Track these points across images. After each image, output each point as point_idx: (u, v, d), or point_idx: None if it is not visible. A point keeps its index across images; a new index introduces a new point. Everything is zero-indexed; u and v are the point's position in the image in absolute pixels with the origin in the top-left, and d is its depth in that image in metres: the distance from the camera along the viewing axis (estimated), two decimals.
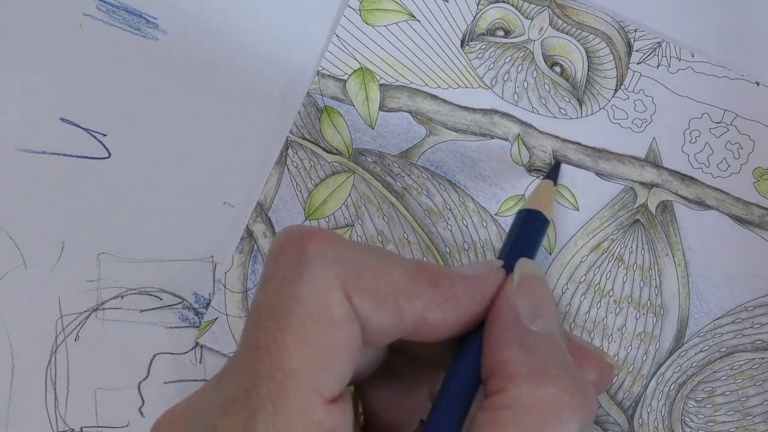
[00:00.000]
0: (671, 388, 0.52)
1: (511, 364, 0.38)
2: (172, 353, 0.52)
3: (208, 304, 0.52)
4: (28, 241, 0.53)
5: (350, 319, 0.36)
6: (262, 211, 0.53)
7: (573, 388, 0.38)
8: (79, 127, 0.53)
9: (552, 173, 0.52)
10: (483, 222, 0.53)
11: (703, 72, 0.53)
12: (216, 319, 0.52)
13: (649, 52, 0.54)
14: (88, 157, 0.53)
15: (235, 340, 0.52)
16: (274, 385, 0.35)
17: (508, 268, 0.42)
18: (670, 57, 0.54)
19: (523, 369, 0.38)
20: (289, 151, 0.53)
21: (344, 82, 0.54)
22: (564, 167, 0.53)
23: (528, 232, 0.47)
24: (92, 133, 0.53)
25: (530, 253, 0.46)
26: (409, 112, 0.53)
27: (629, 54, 0.54)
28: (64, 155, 0.53)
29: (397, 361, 0.43)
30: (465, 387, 0.40)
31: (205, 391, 0.37)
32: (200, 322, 0.52)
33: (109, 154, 0.53)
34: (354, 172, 0.53)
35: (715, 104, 0.53)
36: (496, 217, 0.53)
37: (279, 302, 0.36)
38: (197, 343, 0.52)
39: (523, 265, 0.42)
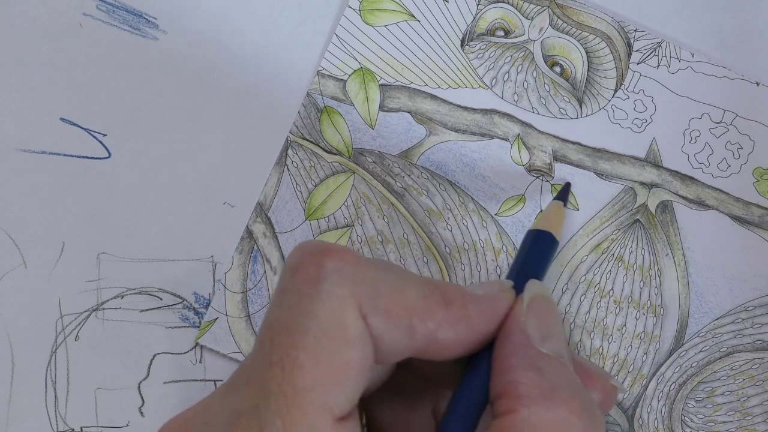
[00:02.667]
0: (671, 388, 0.52)
1: (521, 386, 0.38)
2: (172, 353, 0.52)
3: (208, 304, 0.52)
4: (28, 241, 0.53)
5: (364, 338, 0.37)
6: (262, 211, 0.53)
7: (582, 410, 0.38)
8: (79, 127, 0.53)
9: (562, 194, 0.52)
10: (483, 222, 0.53)
11: (703, 72, 0.53)
12: (216, 319, 0.52)
13: (649, 52, 0.54)
14: (88, 157, 0.53)
15: (235, 340, 0.52)
16: (285, 402, 0.35)
17: (518, 288, 0.42)
18: (670, 57, 0.54)
19: (533, 391, 0.38)
20: (289, 152, 0.53)
21: (344, 82, 0.54)
22: (564, 167, 0.53)
23: (537, 252, 0.48)
24: (92, 133, 0.53)
25: (539, 274, 0.46)
26: (409, 112, 0.53)
27: (629, 54, 0.54)
28: (64, 155, 0.53)
29: (402, 377, 0.43)
30: (472, 406, 0.40)
31: (212, 401, 0.38)
32: (200, 322, 0.52)
33: (109, 154, 0.53)
34: (354, 173, 0.53)
35: (715, 104, 0.53)
36: (496, 217, 0.53)
37: (294, 318, 0.36)
38: (197, 343, 0.52)
39: (532, 286, 0.42)
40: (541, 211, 0.53)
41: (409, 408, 0.44)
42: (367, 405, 0.43)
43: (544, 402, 0.38)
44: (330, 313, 0.36)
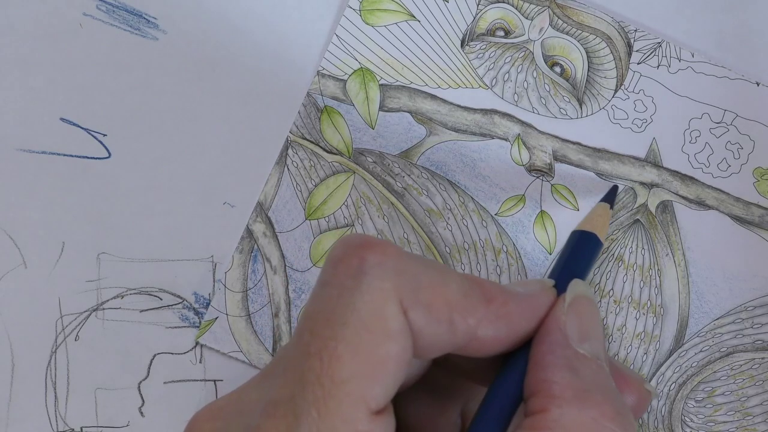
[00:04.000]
0: (671, 388, 0.52)
1: (556, 385, 0.38)
2: (172, 353, 0.52)
3: (208, 304, 0.52)
4: (28, 241, 0.53)
5: (404, 332, 0.36)
6: (262, 210, 0.53)
7: (614, 414, 0.38)
8: (79, 127, 0.53)
9: (608, 196, 0.52)
10: (483, 222, 0.53)
11: (703, 72, 0.53)
12: (216, 318, 0.52)
13: (649, 53, 0.54)
14: (88, 157, 0.53)
15: (235, 339, 0.51)
16: (322, 392, 0.35)
17: (560, 288, 0.42)
18: (670, 57, 0.54)
19: (567, 391, 0.38)
20: (289, 151, 0.53)
21: (344, 82, 0.54)
22: (564, 167, 0.53)
23: (581, 253, 0.47)
24: (92, 133, 0.53)
25: (583, 275, 0.46)
26: (409, 112, 0.53)
27: (629, 54, 0.54)
28: (64, 155, 0.53)
29: (434, 374, 0.43)
30: (506, 403, 0.40)
31: (247, 390, 0.38)
32: (200, 322, 0.52)
33: (109, 154, 0.53)
34: (354, 172, 0.53)
35: (715, 104, 0.53)
36: (496, 217, 0.53)
37: (334, 310, 0.36)
38: (197, 343, 0.52)
39: (575, 286, 0.42)
40: (541, 211, 0.53)
41: (438, 408, 0.44)
42: (396, 402, 0.43)
43: (576, 403, 0.37)
44: (371, 306, 0.36)
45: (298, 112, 0.53)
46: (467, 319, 0.38)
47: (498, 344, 0.39)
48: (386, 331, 0.36)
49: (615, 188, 0.52)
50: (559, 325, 0.40)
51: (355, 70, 0.54)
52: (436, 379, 0.43)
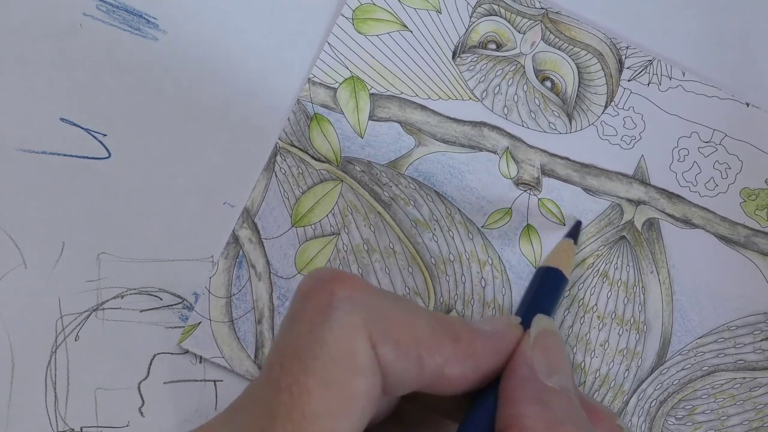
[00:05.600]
0: (652, 405, 0.52)
1: (527, 419, 0.38)
2: (172, 353, 0.52)
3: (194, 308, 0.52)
4: (28, 241, 0.53)
5: (373, 367, 0.37)
6: (248, 216, 0.53)
7: None
8: (79, 127, 0.53)
9: (572, 232, 0.52)
10: (469, 234, 0.53)
11: (693, 91, 0.53)
12: (199, 323, 0.52)
13: (640, 70, 0.54)
14: (88, 157, 0.53)
15: (217, 344, 0.52)
16: (292, 427, 0.35)
17: (526, 324, 0.42)
18: (661, 75, 0.53)
19: (539, 424, 0.38)
20: (278, 158, 0.53)
21: (335, 90, 0.54)
22: (552, 182, 0.53)
23: (546, 289, 0.48)
24: (92, 133, 0.53)
25: (548, 310, 0.46)
26: (399, 122, 0.54)
27: (620, 71, 0.54)
28: (64, 155, 0.53)
29: (405, 410, 0.43)
30: None
31: (216, 425, 0.38)
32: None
33: (109, 154, 0.53)
34: (342, 181, 0.53)
35: (704, 123, 0.53)
36: (482, 229, 0.53)
37: (304, 344, 0.36)
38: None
39: (539, 321, 0.42)
40: (528, 225, 0.53)
41: None
42: None
43: None
44: (340, 341, 0.36)
45: (288, 119, 0.53)
46: (435, 357, 0.38)
47: (465, 382, 0.39)
48: (356, 366, 0.36)
49: (579, 223, 0.52)
50: (527, 360, 0.40)
51: (345, 79, 0.54)
52: (405, 415, 0.43)
